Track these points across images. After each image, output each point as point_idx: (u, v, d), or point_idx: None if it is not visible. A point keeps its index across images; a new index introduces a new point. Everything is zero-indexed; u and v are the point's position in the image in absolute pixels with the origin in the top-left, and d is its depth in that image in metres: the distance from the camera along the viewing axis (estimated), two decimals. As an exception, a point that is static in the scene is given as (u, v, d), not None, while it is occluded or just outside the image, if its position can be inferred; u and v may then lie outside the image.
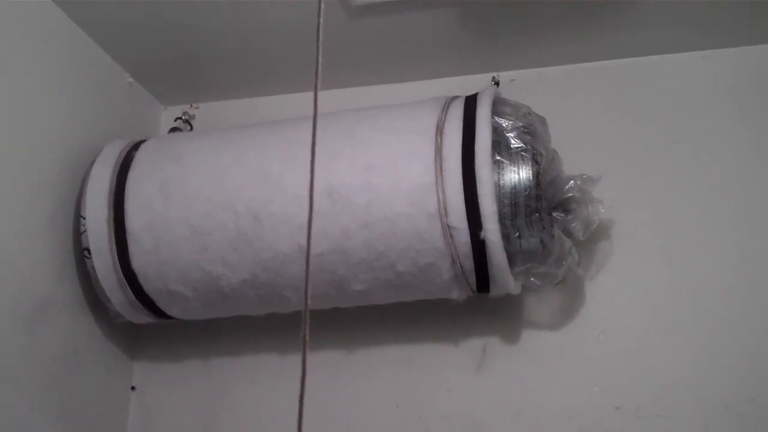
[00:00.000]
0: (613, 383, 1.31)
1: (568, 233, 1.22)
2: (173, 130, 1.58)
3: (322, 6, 0.72)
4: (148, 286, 1.27)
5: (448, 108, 1.21)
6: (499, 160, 1.15)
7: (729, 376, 1.28)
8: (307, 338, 0.66)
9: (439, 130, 1.17)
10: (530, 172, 1.15)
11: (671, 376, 1.29)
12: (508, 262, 1.15)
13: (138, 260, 1.25)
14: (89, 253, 1.26)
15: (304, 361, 0.65)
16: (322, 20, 0.71)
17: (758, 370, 1.27)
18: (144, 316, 1.34)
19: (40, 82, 1.30)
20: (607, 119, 1.45)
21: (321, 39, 0.70)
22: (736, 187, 1.37)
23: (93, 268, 1.26)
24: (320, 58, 0.70)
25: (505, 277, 1.17)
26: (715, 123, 1.41)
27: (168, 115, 1.65)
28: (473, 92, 1.25)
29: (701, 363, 1.29)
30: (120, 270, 1.25)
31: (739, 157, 1.38)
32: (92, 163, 1.32)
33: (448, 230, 1.13)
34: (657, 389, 1.29)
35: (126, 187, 1.27)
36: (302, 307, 1.27)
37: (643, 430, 1.28)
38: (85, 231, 1.26)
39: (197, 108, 1.65)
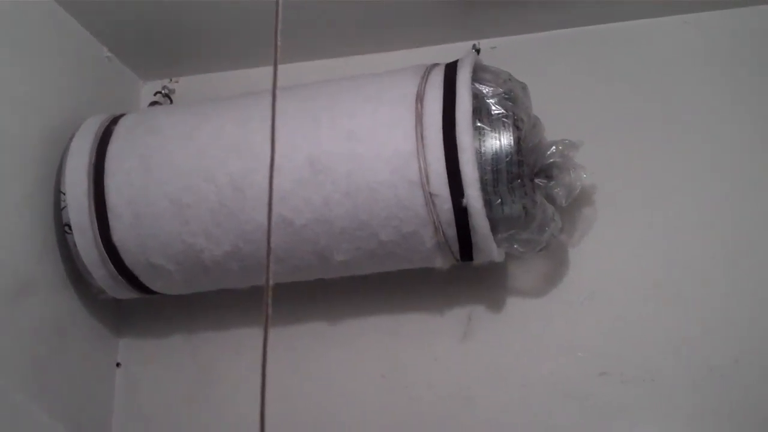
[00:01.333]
0: (597, 349, 1.31)
1: (550, 199, 1.22)
2: (153, 104, 1.57)
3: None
4: (130, 260, 1.26)
5: (428, 75, 1.20)
6: (480, 126, 1.15)
7: (712, 339, 1.28)
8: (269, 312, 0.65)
9: (420, 98, 1.16)
10: (511, 138, 1.15)
11: (655, 341, 1.30)
12: (490, 229, 1.15)
13: (119, 234, 1.24)
14: (70, 228, 1.25)
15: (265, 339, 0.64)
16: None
17: (741, 332, 1.28)
18: (127, 292, 1.33)
19: (17, 58, 1.28)
20: (588, 85, 1.45)
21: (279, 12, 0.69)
22: (718, 151, 1.37)
23: (74, 243, 1.25)
24: (278, 29, 0.68)
25: (488, 245, 1.17)
26: (697, 87, 1.41)
27: (147, 90, 1.64)
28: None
29: (684, 326, 1.30)
30: (101, 244, 1.24)
31: (721, 121, 1.38)
32: (71, 137, 1.31)
33: (430, 198, 1.12)
34: (641, 353, 1.30)
35: (106, 161, 1.26)
36: (285, 279, 1.28)
37: (628, 394, 1.28)
38: (65, 206, 1.25)
39: (176, 82, 1.63)
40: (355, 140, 1.16)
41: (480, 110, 1.16)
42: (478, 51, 1.40)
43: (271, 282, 0.67)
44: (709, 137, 1.37)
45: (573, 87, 1.45)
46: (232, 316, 1.47)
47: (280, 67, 1.58)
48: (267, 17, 1.41)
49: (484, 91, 1.17)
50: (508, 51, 1.48)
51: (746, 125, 1.37)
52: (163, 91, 1.59)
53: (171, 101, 1.59)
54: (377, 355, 1.39)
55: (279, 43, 0.70)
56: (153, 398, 1.47)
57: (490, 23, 1.48)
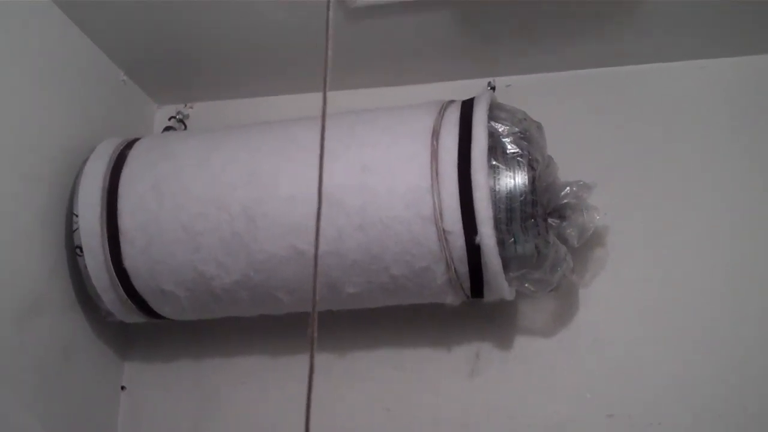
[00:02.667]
0: (605, 391, 1.31)
1: (563, 239, 1.22)
2: (167, 129, 1.57)
3: (330, 12, 0.71)
4: (140, 285, 1.26)
5: (444, 112, 1.20)
6: (495, 165, 1.15)
7: (721, 385, 1.28)
8: (315, 341, 0.65)
9: (436, 134, 1.16)
10: (526, 177, 1.15)
11: (664, 384, 1.29)
12: (502, 267, 1.15)
13: (130, 259, 1.24)
14: (81, 251, 1.25)
15: (311, 366, 0.64)
16: (330, 21, 0.69)
17: (750, 379, 1.27)
18: (135, 316, 1.33)
19: (34, 79, 1.29)
20: (603, 126, 1.45)
21: (329, 40, 0.69)
22: (730, 196, 1.37)
23: (85, 266, 1.26)
24: (329, 60, 0.69)
25: (499, 283, 1.16)
26: (711, 132, 1.41)
27: (162, 115, 1.64)
28: (469, 97, 1.25)
29: (694, 371, 1.29)
30: (112, 268, 1.25)
31: (734, 167, 1.38)
32: (86, 160, 1.31)
33: (443, 234, 1.12)
34: (649, 397, 1.29)
35: (119, 185, 1.26)
36: (294, 309, 1.28)
37: (635, 438, 1.27)
38: (77, 229, 1.25)
39: (191, 107, 1.64)
40: (369, 173, 1.16)
41: (495, 149, 1.16)
42: (493, 88, 1.41)
43: (313, 309, 0.67)
44: (723, 183, 1.37)
45: (587, 128, 1.45)
46: (238, 344, 1.46)
47: (292, 96, 1.60)
48: (283, 47, 1.43)
49: (500, 130, 1.18)
50: (522, 89, 1.48)
51: (760, 171, 1.37)
52: (177, 116, 1.60)
53: (185, 127, 1.59)
54: (383, 388, 1.38)
55: (328, 68, 0.70)
56: (157, 423, 1.46)
57: (506, 61, 1.48)
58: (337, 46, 1.42)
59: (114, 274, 1.25)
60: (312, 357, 0.65)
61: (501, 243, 1.13)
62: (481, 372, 1.36)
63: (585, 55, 1.46)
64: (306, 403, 0.66)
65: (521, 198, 1.14)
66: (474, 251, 1.13)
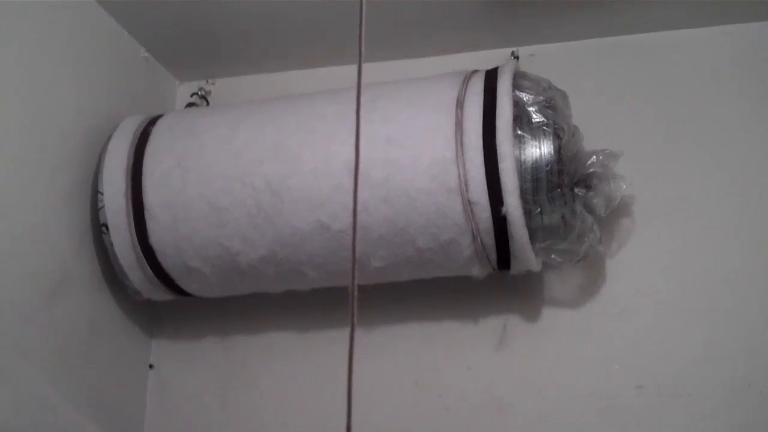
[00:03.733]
0: (634, 362, 1.30)
1: (589, 209, 1.20)
2: (189, 105, 1.57)
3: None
4: (166, 262, 1.26)
5: (468, 82, 1.19)
6: (520, 134, 1.14)
7: (751, 354, 1.27)
8: (356, 316, 0.64)
9: (460, 104, 1.15)
10: (552, 147, 1.14)
11: (693, 355, 1.28)
12: (529, 238, 1.14)
13: (156, 236, 1.24)
14: (107, 228, 1.26)
15: (351, 339, 0.63)
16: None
17: (781, 349, 1.26)
18: (162, 293, 1.34)
19: (56, 58, 1.29)
20: (627, 95, 1.44)
21: (363, 10, 0.68)
22: (759, 164, 1.35)
23: (111, 243, 1.26)
24: (363, 30, 0.68)
25: (526, 254, 1.16)
26: (737, 99, 1.39)
27: (184, 91, 1.64)
28: (493, 67, 1.24)
29: (723, 341, 1.28)
30: (138, 246, 1.25)
31: (762, 134, 1.36)
32: (109, 138, 1.31)
33: (468, 205, 1.12)
34: (678, 368, 1.28)
35: (143, 162, 1.26)
36: (320, 284, 1.28)
37: (664, 409, 1.27)
38: (102, 206, 1.26)
39: (213, 84, 1.64)
40: (393, 145, 1.15)
41: (520, 118, 1.15)
42: (517, 58, 1.40)
43: (352, 284, 0.67)
44: (749, 150, 1.36)
45: (611, 96, 1.44)
46: (265, 320, 1.47)
47: (314, 70, 1.59)
48: (303, 21, 1.42)
49: (525, 99, 1.17)
50: (546, 59, 1.47)
51: (788, 138, 1.36)
52: (199, 93, 1.59)
53: (207, 103, 1.59)
54: (411, 363, 1.39)
55: (363, 39, 0.69)
56: (184, 400, 1.47)
57: (530, 30, 1.47)
58: (358, 19, 1.42)
59: (140, 251, 1.25)
60: (352, 331, 0.64)
61: (527, 213, 1.13)
62: (509, 344, 1.35)
63: (609, 23, 1.44)
64: (347, 377, 0.65)
65: (547, 168, 1.13)
66: (500, 222, 1.12)
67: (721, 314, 1.29)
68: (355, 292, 0.69)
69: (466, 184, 1.11)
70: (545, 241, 1.17)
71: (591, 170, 1.21)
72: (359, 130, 0.74)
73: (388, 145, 1.15)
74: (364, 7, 0.72)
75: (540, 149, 1.14)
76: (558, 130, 1.15)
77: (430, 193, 1.13)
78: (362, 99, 1.21)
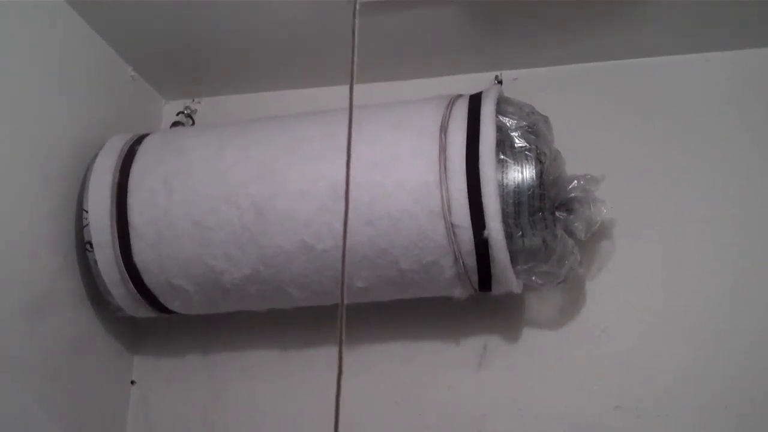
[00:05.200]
0: (613, 382, 1.31)
1: (570, 233, 1.22)
2: (175, 124, 1.58)
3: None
4: (150, 280, 1.26)
5: (452, 106, 1.21)
6: (503, 159, 1.15)
7: (729, 377, 1.28)
8: (343, 334, 0.65)
9: (444, 129, 1.17)
10: (534, 171, 1.16)
11: (671, 376, 1.29)
12: (510, 260, 1.15)
13: (140, 254, 1.25)
14: (91, 246, 1.26)
15: (340, 358, 0.64)
16: (357, 16, 0.70)
17: (758, 371, 1.28)
18: (145, 310, 1.34)
19: (43, 75, 1.30)
20: (609, 119, 1.45)
21: (356, 35, 0.70)
22: (737, 188, 1.37)
23: (95, 261, 1.26)
24: (355, 55, 0.69)
25: (507, 276, 1.17)
26: (718, 125, 1.41)
27: (170, 110, 1.65)
28: (476, 91, 1.25)
29: (701, 363, 1.29)
30: (122, 264, 1.25)
31: (741, 159, 1.38)
32: (95, 156, 1.31)
33: (451, 228, 1.13)
34: (657, 389, 1.29)
35: (129, 180, 1.26)
36: (304, 303, 1.28)
37: (642, 430, 1.28)
38: (87, 224, 1.26)
39: (199, 102, 1.64)
40: (377, 169, 1.16)
41: (503, 143, 1.16)
42: (500, 82, 1.41)
43: (341, 303, 0.68)
44: (729, 175, 1.38)
45: (593, 121, 1.45)
46: (248, 338, 1.47)
47: (300, 91, 1.60)
48: (289, 42, 1.43)
49: (508, 124, 1.18)
50: (529, 83, 1.49)
51: (766, 164, 1.37)
52: (185, 111, 1.60)
53: (193, 122, 1.60)
54: (392, 382, 1.39)
55: (355, 60, 0.70)
56: (166, 417, 1.47)
57: (513, 55, 1.48)
58: (346, 41, 1.43)
59: (124, 269, 1.26)
60: (340, 349, 0.65)
61: (509, 237, 1.14)
62: (489, 365, 1.36)
63: (591, 49, 1.46)
64: (336, 395, 0.66)
65: (529, 192, 1.15)
66: (482, 245, 1.13)
67: (701, 336, 1.31)
68: (343, 312, 0.70)
69: (449, 208, 1.12)
70: (526, 264, 1.19)
71: (572, 194, 1.22)
72: (350, 151, 0.75)
73: (372, 168, 1.16)
74: (356, 30, 0.74)
75: (522, 174, 1.15)
76: (540, 154, 1.17)
77: (414, 216, 1.14)
78: (347, 121, 1.23)
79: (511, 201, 1.14)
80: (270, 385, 1.44)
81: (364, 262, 1.18)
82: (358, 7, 0.74)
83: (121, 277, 1.27)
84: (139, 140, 1.33)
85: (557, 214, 1.21)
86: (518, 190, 1.15)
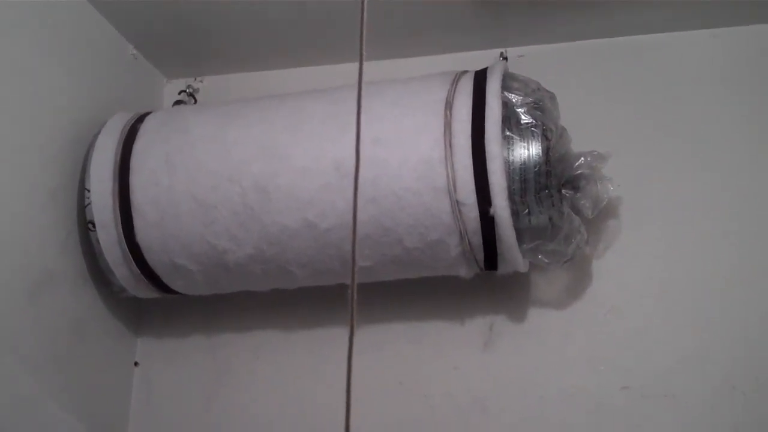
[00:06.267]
0: (619, 363, 1.31)
1: (576, 211, 1.21)
2: (177, 103, 1.57)
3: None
4: (153, 259, 1.26)
5: (457, 82, 1.19)
6: (509, 135, 1.14)
7: (735, 356, 1.28)
8: (355, 315, 0.64)
9: (449, 105, 1.16)
10: (540, 148, 1.14)
11: (678, 356, 1.29)
12: (516, 239, 1.14)
13: (143, 233, 1.24)
14: (93, 226, 1.25)
15: (351, 338, 0.63)
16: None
17: (763, 350, 1.27)
18: (148, 291, 1.33)
19: (44, 54, 1.29)
20: (615, 96, 1.44)
21: (365, 11, 0.68)
22: (745, 166, 1.36)
23: (97, 240, 1.25)
24: (364, 31, 0.67)
25: (513, 255, 1.16)
26: (725, 101, 1.40)
27: (171, 89, 1.64)
28: (482, 68, 1.24)
29: (707, 343, 1.29)
30: (124, 243, 1.24)
31: (750, 136, 1.37)
32: (97, 134, 1.31)
33: (456, 206, 1.12)
34: (663, 369, 1.29)
35: (131, 159, 1.26)
36: (307, 283, 1.27)
37: (649, 410, 1.27)
38: (89, 203, 1.25)
39: (201, 81, 1.63)
40: (381, 145, 1.15)
41: (509, 119, 1.15)
42: (505, 59, 1.40)
43: (353, 281, 0.66)
44: (737, 152, 1.37)
45: (599, 98, 1.44)
46: (251, 319, 1.46)
47: (303, 69, 1.59)
48: (292, 19, 1.42)
49: (514, 100, 1.17)
50: (535, 60, 1.47)
51: (773, 141, 1.37)
52: (188, 90, 1.59)
53: (195, 101, 1.59)
54: (396, 362, 1.39)
55: (364, 38, 0.69)
56: (170, 398, 1.46)
57: (519, 32, 1.47)
58: (348, 18, 1.42)
59: (126, 248, 1.25)
60: (352, 330, 0.64)
61: (515, 214, 1.13)
62: (495, 344, 1.36)
63: (597, 26, 1.45)
64: (347, 375, 0.65)
65: (535, 169, 1.13)
66: (488, 223, 1.12)
67: (706, 316, 1.30)
68: (355, 294, 0.68)
69: (454, 185, 1.11)
70: (532, 242, 1.18)
71: (579, 172, 1.21)
72: (360, 130, 0.74)
73: (375, 145, 1.15)
74: (365, 7, 0.72)
75: (528, 150, 1.14)
76: (546, 131, 1.16)
77: (418, 193, 1.13)
78: (351, 98, 1.22)
79: (517, 178, 1.13)
80: (274, 366, 1.43)
81: (367, 240, 1.16)
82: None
83: (124, 256, 1.26)
84: (141, 119, 1.32)
85: (564, 191, 1.20)
86: (524, 167, 1.13)
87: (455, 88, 1.18)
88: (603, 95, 1.44)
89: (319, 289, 1.31)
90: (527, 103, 1.17)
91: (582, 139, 1.27)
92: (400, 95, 1.21)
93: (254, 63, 1.59)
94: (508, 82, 1.20)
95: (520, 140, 1.14)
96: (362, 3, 0.73)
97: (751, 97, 1.39)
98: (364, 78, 1.29)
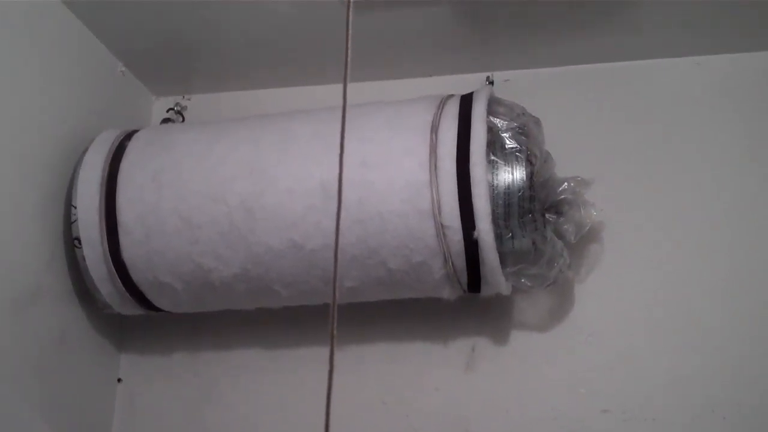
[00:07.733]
0: (600, 386, 1.31)
1: (560, 235, 1.22)
2: (165, 121, 1.57)
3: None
4: (138, 277, 1.26)
5: (443, 106, 1.20)
6: (493, 160, 1.15)
7: (714, 380, 1.28)
8: (335, 333, 0.65)
9: (434, 129, 1.17)
10: (524, 173, 1.16)
11: (659, 380, 1.30)
12: (499, 262, 1.15)
13: (128, 251, 1.24)
14: (79, 242, 1.25)
15: (331, 357, 0.63)
16: (351, 17, 0.69)
17: (744, 374, 1.28)
18: (132, 308, 1.33)
19: (33, 70, 1.29)
20: (600, 122, 1.45)
21: (349, 30, 0.69)
22: (727, 192, 1.37)
23: (83, 257, 1.25)
24: (349, 52, 0.69)
25: (496, 278, 1.17)
26: (707, 128, 1.41)
27: (159, 106, 1.64)
28: (468, 91, 1.25)
29: (688, 366, 1.30)
30: (110, 260, 1.24)
31: (731, 163, 1.39)
32: (84, 151, 1.31)
33: (441, 229, 1.13)
34: (644, 392, 1.29)
35: (118, 176, 1.26)
36: (292, 303, 1.28)
37: (630, 433, 1.28)
38: (75, 220, 1.25)
39: (189, 99, 1.63)
40: (367, 168, 1.16)
41: (494, 144, 1.16)
42: (491, 83, 1.41)
43: (333, 303, 0.67)
44: (719, 178, 1.38)
45: (584, 123, 1.45)
46: (235, 337, 1.46)
47: (291, 89, 1.60)
48: (280, 39, 1.43)
49: (499, 125, 1.18)
50: (521, 84, 1.48)
51: (755, 168, 1.38)
52: (176, 108, 1.59)
53: (183, 118, 1.59)
54: (379, 381, 1.39)
55: (349, 58, 0.70)
56: (153, 415, 1.46)
57: (505, 56, 1.48)
58: (336, 40, 1.43)
59: (112, 265, 1.25)
60: (332, 350, 0.64)
61: (498, 238, 1.14)
62: (477, 366, 1.36)
63: (583, 51, 1.46)
64: (327, 394, 0.65)
65: (519, 193, 1.15)
66: (472, 246, 1.13)
67: (687, 340, 1.31)
68: (335, 314, 0.69)
69: (439, 208, 1.12)
70: (516, 266, 1.19)
71: (562, 196, 1.22)
72: (343, 150, 0.75)
73: (362, 167, 1.16)
74: (350, 28, 0.73)
75: (513, 175, 1.15)
76: (531, 156, 1.17)
77: (403, 216, 1.13)
78: (338, 119, 1.22)
79: (501, 202, 1.14)
80: (257, 384, 1.43)
81: (353, 262, 1.17)
82: (351, 4, 0.73)
83: (109, 273, 1.26)
84: (128, 136, 1.33)
85: (547, 216, 1.21)
86: (508, 191, 1.15)
87: (441, 111, 1.19)
88: (587, 121, 1.45)
89: (303, 308, 1.32)
90: (512, 128, 1.18)
91: (566, 163, 1.28)
92: (387, 118, 1.22)
93: (242, 82, 1.60)
94: (493, 106, 1.21)
95: (505, 165, 1.16)
96: (347, 26, 0.75)
97: (732, 124, 1.41)
98: (352, 100, 1.31)
